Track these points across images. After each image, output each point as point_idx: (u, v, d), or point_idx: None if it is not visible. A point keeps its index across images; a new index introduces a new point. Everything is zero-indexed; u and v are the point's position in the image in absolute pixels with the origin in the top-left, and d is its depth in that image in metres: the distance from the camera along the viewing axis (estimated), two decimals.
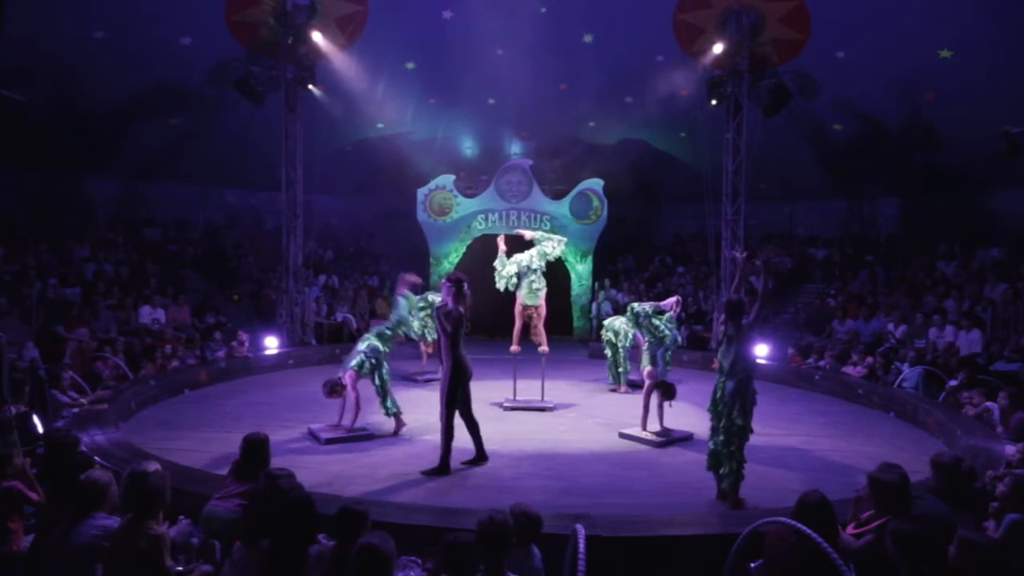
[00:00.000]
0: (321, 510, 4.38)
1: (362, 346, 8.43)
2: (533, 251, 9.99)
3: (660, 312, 8.95)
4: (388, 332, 8.66)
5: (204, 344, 12.77)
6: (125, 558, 3.66)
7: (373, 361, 8.31)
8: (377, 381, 8.31)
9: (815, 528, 3.59)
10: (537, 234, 10.35)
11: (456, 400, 7.05)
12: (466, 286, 7.07)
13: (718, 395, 6.30)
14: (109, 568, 3.72)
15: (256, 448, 4.77)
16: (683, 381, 9.19)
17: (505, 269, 9.97)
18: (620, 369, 11.09)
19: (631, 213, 18.46)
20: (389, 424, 8.54)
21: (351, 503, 4.00)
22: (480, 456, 7.35)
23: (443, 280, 7.40)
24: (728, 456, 6.22)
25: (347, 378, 8.15)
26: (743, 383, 6.16)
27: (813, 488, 4.08)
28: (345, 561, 3.39)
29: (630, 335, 10.37)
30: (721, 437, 6.26)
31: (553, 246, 10.07)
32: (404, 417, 8.51)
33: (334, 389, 8.16)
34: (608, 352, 11.22)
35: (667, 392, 8.22)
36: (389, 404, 8.36)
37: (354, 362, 8.26)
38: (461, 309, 6.92)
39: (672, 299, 9.27)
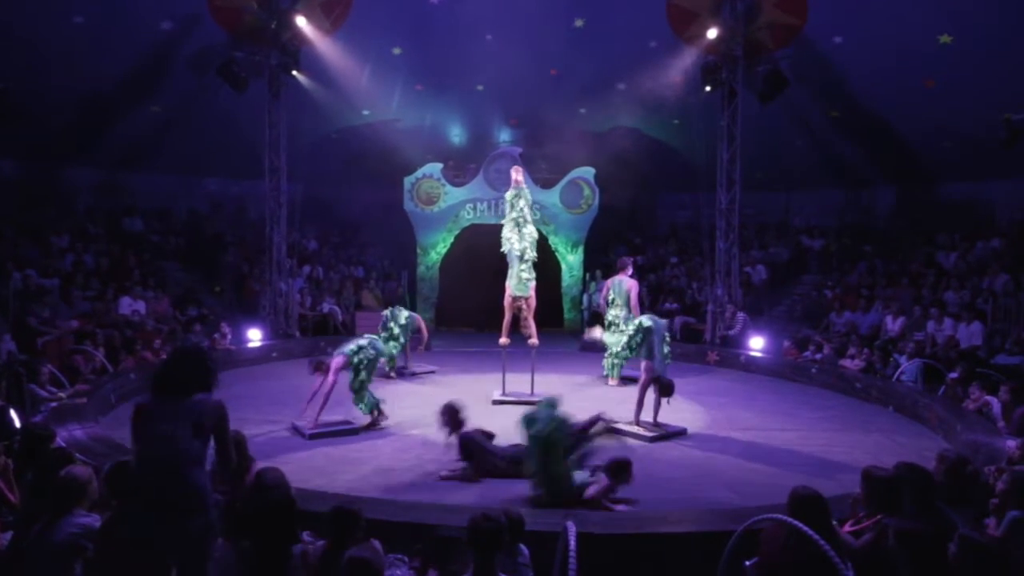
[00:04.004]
0: (307, 506, 4.22)
1: (364, 341, 8.27)
2: (522, 204, 9.58)
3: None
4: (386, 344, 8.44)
5: (186, 336, 12.52)
6: None
7: (371, 354, 8.14)
8: (363, 375, 8.08)
9: (808, 524, 3.50)
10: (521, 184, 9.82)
11: None
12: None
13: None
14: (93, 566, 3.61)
15: None
16: (677, 374, 8.98)
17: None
18: (615, 360, 10.83)
19: (623, 202, 18.24)
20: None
21: (344, 502, 3.91)
22: None
23: None
24: None
25: (335, 362, 7.96)
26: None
27: (808, 484, 3.92)
28: (335, 560, 3.39)
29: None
30: None
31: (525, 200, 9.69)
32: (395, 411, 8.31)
33: (319, 366, 8.00)
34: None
35: (664, 389, 7.96)
36: (367, 401, 8.15)
37: (350, 347, 8.09)
38: None
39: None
